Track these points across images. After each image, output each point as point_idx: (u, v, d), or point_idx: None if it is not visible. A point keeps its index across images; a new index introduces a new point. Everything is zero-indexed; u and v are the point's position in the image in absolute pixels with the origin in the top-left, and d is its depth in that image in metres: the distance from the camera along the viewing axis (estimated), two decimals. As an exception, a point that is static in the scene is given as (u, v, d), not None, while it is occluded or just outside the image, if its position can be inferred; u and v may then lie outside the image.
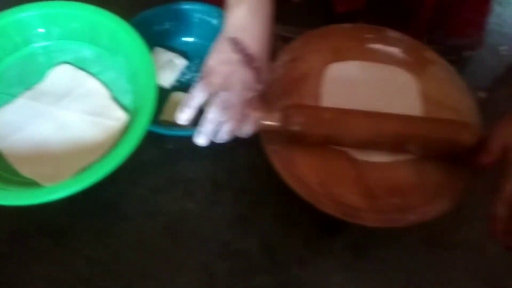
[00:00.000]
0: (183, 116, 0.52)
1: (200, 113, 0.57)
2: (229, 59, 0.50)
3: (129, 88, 0.55)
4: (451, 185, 0.48)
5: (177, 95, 0.67)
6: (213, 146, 0.66)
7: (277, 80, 0.53)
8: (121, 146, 0.46)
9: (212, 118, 0.51)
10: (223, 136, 0.52)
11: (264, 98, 0.51)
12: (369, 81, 0.56)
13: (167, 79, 0.69)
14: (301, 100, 0.52)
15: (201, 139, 0.52)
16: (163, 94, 0.67)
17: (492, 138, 0.46)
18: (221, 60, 0.51)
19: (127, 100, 0.55)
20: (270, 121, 0.50)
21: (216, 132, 0.52)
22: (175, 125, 0.62)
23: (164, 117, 0.65)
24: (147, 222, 0.61)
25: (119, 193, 0.63)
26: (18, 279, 0.57)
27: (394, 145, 0.48)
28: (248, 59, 0.49)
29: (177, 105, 0.67)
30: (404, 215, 0.46)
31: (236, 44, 0.50)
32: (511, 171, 0.45)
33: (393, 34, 0.57)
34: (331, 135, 0.48)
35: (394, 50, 0.58)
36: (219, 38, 0.53)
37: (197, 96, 0.51)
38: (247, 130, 0.51)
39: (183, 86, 0.70)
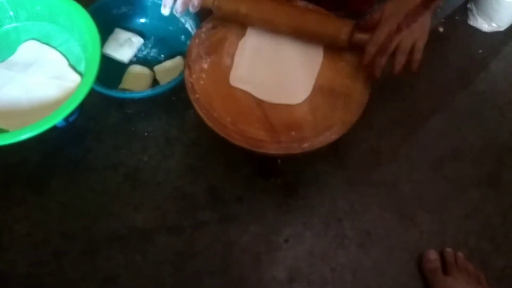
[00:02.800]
0: (165, 10, 0.64)
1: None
2: None
3: (83, 56, 0.66)
4: (337, 121, 0.58)
5: (135, 68, 0.78)
6: (166, 108, 0.78)
7: (200, 43, 0.64)
8: (71, 99, 0.57)
9: None
10: (179, 7, 0.63)
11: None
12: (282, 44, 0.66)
13: (126, 54, 0.80)
14: (219, 59, 0.63)
15: (165, 11, 0.64)
16: (123, 67, 0.78)
17: (375, 12, 0.61)
18: None
19: (82, 66, 0.67)
20: None
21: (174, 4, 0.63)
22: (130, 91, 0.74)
23: (123, 85, 0.76)
24: (110, 173, 0.73)
25: (86, 150, 0.74)
26: (3, 220, 0.69)
27: (292, 31, 0.63)
28: None
29: (134, 76, 0.80)
30: (299, 144, 0.57)
31: None
32: (381, 25, 0.59)
33: (301, 2, 0.67)
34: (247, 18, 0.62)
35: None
36: None
37: None
38: (195, 1, 0.62)
39: (140, 60, 0.81)
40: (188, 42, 0.80)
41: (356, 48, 0.61)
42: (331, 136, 0.56)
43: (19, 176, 0.72)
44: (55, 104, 0.60)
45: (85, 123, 0.76)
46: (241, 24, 0.65)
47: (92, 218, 0.70)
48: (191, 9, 0.64)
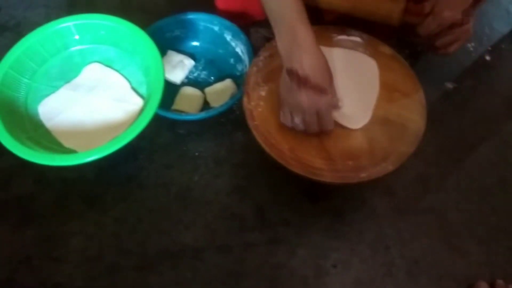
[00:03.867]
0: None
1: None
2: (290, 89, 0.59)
3: (144, 80, 0.69)
4: (394, 151, 0.59)
5: (186, 89, 0.81)
6: (215, 129, 0.80)
7: (258, 71, 0.66)
8: (137, 123, 0.60)
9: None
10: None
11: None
12: (336, 61, 0.67)
13: (178, 76, 0.83)
14: (276, 87, 0.64)
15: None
16: (175, 89, 0.81)
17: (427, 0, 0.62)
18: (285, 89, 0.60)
19: (143, 89, 0.70)
20: None
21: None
22: (184, 113, 0.77)
23: (175, 106, 0.79)
24: (161, 191, 0.75)
25: (139, 168, 0.77)
26: (60, 233, 0.72)
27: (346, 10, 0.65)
28: (321, 90, 0.57)
29: (186, 97, 0.83)
30: (356, 174, 0.58)
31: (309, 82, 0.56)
32: (434, 15, 0.61)
33: (354, 32, 0.69)
34: None
35: (356, 39, 0.70)
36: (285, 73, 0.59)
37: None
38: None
39: (191, 82, 0.84)
40: (237, 66, 0.83)
41: (403, 29, 0.63)
42: (388, 167, 0.57)
43: (76, 191, 0.75)
44: (118, 126, 0.63)
45: (139, 142, 0.78)
46: None
47: (144, 235, 0.72)
48: None
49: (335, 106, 0.60)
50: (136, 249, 0.71)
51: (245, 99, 0.63)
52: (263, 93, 0.64)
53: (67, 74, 0.72)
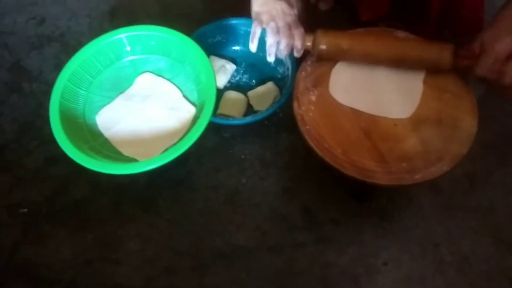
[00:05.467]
0: (253, 46, 0.69)
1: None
2: (265, 1, 0.66)
3: (195, 88, 0.72)
4: (448, 152, 0.60)
5: (230, 93, 0.83)
6: (260, 131, 0.82)
7: (307, 75, 0.67)
8: (194, 130, 0.62)
9: (272, 41, 0.67)
10: (283, 51, 0.67)
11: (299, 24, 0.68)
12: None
13: (221, 81, 0.85)
14: (325, 91, 0.66)
15: (270, 58, 0.69)
16: (218, 93, 0.83)
17: (474, 41, 0.61)
18: (260, 3, 0.67)
19: (194, 97, 0.72)
20: (307, 41, 0.66)
21: (278, 50, 0.68)
22: (230, 118, 0.79)
23: (221, 111, 0.81)
24: (211, 194, 0.78)
25: (189, 172, 0.80)
26: (117, 236, 0.75)
27: (393, 61, 0.66)
28: None
29: (230, 102, 0.85)
30: (411, 176, 0.59)
31: None
32: (486, 52, 0.59)
33: (401, 34, 0.69)
34: (345, 47, 0.65)
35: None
36: None
37: (256, 31, 0.68)
38: (298, 44, 0.67)
39: (233, 85, 0.86)
40: (278, 68, 0.85)
41: (459, 71, 0.62)
42: (442, 168, 0.58)
43: (129, 195, 0.78)
44: (173, 134, 0.66)
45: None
46: (342, 59, 0.68)
47: (198, 236, 0.75)
48: (296, 53, 0.68)
49: (290, 14, 0.67)
50: (190, 250, 0.73)
51: (295, 104, 0.65)
52: (313, 98, 0.65)
53: (120, 84, 0.74)
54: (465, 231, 0.73)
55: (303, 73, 0.68)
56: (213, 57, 0.86)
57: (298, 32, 0.67)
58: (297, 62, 0.74)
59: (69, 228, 0.76)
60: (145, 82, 0.73)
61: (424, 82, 0.66)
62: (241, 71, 0.87)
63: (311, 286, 0.70)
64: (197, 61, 0.69)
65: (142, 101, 0.71)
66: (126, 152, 0.67)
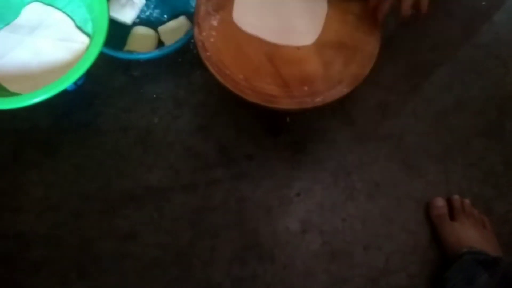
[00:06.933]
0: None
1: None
2: None
3: (89, 17, 0.66)
4: (349, 74, 0.59)
5: (138, 29, 0.77)
6: (172, 69, 0.78)
7: (208, 0, 0.63)
8: (83, 61, 0.57)
9: None
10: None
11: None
12: None
13: (128, 15, 0.78)
14: (228, 15, 0.62)
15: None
16: (126, 29, 0.77)
17: None
18: None
19: (88, 27, 0.66)
20: None
21: None
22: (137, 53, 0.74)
23: (128, 47, 0.76)
24: (120, 135, 0.74)
25: (96, 114, 0.75)
26: (19, 184, 0.70)
27: None
28: None
29: (139, 37, 0.79)
30: (312, 99, 0.57)
31: None
32: None
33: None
34: None
35: None
36: None
37: None
38: None
39: (143, 21, 0.80)
40: (191, 1, 0.79)
41: None
42: (343, 90, 0.57)
43: (31, 140, 0.73)
44: (64, 67, 0.60)
45: (93, 87, 0.76)
46: None
47: (106, 180, 0.71)
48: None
49: None
50: (98, 194, 0.70)
51: (196, 30, 0.61)
52: (214, 23, 0.61)
53: (5, 15, 0.67)
54: (376, 159, 0.74)
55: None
56: (119, -10, 0.80)
57: None
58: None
59: (-37, 179, 0.70)
60: (33, 13, 0.66)
61: (329, 3, 0.64)
62: (152, 6, 0.81)
63: (226, 220, 0.70)
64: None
65: (30, 33, 0.65)
66: (12, 88, 0.61)
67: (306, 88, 0.58)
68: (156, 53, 0.72)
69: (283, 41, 0.62)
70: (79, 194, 0.70)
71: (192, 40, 0.74)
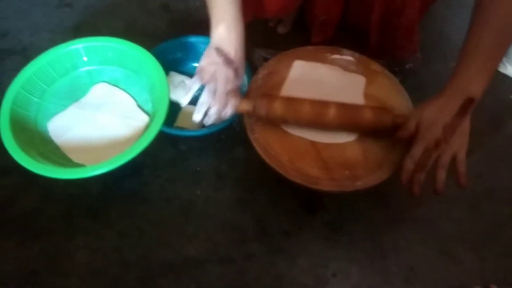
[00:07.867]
0: (186, 99, 0.69)
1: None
2: (215, 61, 0.67)
3: (149, 98, 0.73)
4: (388, 160, 0.63)
5: (188, 108, 0.84)
6: (216, 145, 0.84)
7: (257, 88, 0.70)
8: (144, 138, 0.63)
9: (204, 101, 0.67)
10: (211, 117, 0.67)
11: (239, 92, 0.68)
12: (326, 78, 0.72)
13: (181, 96, 0.87)
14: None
15: (197, 116, 0.68)
16: (177, 107, 0.85)
17: (409, 118, 0.62)
18: (209, 62, 0.67)
19: (148, 107, 0.74)
20: (245, 107, 0.67)
21: (206, 114, 0.68)
22: (186, 130, 0.80)
23: (178, 124, 0.83)
24: (164, 205, 0.78)
25: (143, 183, 0.79)
26: (65, 248, 0.73)
27: (334, 126, 0.66)
28: (228, 61, 0.66)
29: (187, 115, 0.86)
30: (353, 182, 0.61)
31: (219, 51, 0.66)
32: (418, 140, 0.59)
33: (347, 51, 0.74)
34: (285, 117, 0.66)
35: (349, 58, 0.75)
36: (208, 48, 0.70)
37: (194, 85, 0.68)
38: (228, 112, 0.67)
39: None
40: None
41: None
42: (382, 175, 0.61)
43: (81, 206, 0.77)
44: (124, 142, 0.66)
45: (142, 158, 0.81)
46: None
47: (147, 248, 0.74)
48: (216, 120, 0.68)
49: (233, 83, 0.65)
50: (139, 262, 0.72)
51: (245, 114, 0.67)
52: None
53: (75, 93, 0.75)
54: (411, 243, 0.75)
55: (253, 85, 0.71)
56: (173, 73, 0.89)
57: (233, 102, 0.67)
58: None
59: (15, 239, 0.74)
60: (100, 92, 0.74)
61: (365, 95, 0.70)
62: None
63: (261, 297, 0.70)
64: (152, 72, 0.71)
65: (96, 110, 0.72)
66: (75, 158, 0.67)
67: (347, 172, 0.62)
68: (204, 131, 0.79)
69: (327, 141, 0.66)
70: (121, 261, 0.72)
71: (236, 120, 0.80)
